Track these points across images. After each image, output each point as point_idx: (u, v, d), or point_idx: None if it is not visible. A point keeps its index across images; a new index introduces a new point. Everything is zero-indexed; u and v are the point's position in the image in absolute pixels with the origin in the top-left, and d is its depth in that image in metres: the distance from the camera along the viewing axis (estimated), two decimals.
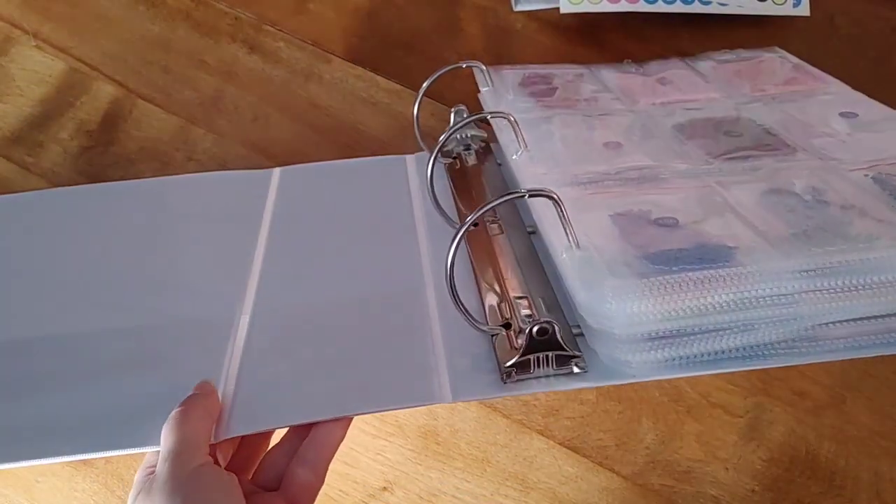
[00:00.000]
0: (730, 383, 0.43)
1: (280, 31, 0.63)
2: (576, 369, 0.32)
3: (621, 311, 0.30)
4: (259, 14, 0.64)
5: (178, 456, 0.29)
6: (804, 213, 0.35)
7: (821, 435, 0.42)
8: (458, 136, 0.50)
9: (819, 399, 0.43)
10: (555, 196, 0.32)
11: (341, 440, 0.32)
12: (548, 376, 0.32)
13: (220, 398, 0.34)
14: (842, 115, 0.44)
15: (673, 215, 0.35)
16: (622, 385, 0.43)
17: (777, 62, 0.54)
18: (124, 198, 0.50)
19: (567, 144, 0.43)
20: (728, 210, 0.36)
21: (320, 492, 0.40)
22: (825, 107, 0.46)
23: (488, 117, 0.44)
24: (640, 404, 0.43)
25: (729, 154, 0.41)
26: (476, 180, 0.46)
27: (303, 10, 0.65)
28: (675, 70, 0.54)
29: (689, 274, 0.30)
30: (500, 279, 0.38)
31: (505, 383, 0.32)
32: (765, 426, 0.42)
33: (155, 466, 0.30)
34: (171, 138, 0.56)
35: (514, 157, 0.42)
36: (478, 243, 0.41)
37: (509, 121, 0.42)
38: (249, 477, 0.33)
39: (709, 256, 0.31)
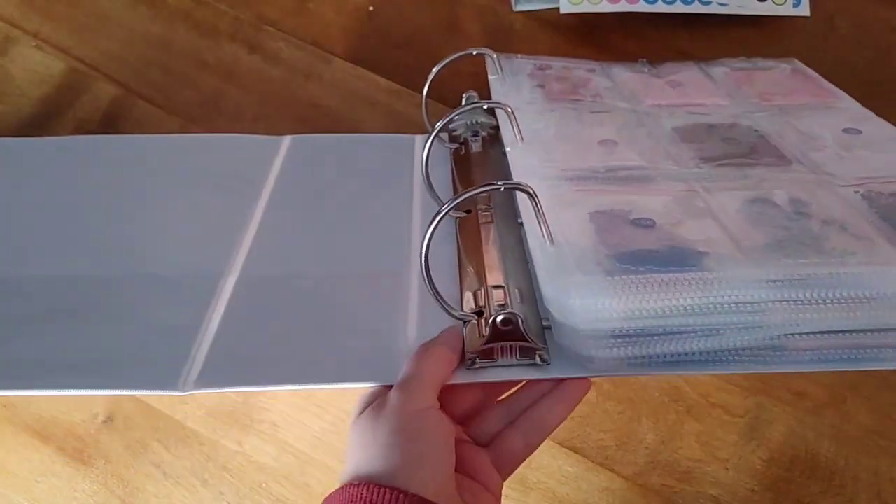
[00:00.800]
0: (729, 383, 0.43)
1: (280, 31, 0.63)
2: (538, 361, 0.33)
3: (585, 307, 0.30)
4: (259, 14, 0.64)
5: (410, 391, 0.30)
6: (783, 225, 0.34)
7: (820, 435, 0.42)
8: (467, 121, 0.50)
9: (819, 399, 0.43)
10: (530, 191, 0.32)
11: (563, 419, 0.32)
12: (510, 366, 0.33)
13: (194, 354, 0.35)
14: (845, 130, 0.44)
15: (651, 216, 0.35)
16: (622, 385, 0.43)
17: (790, 74, 0.54)
18: (126, 150, 0.50)
19: (563, 139, 0.43)
20: (708, 215, 0.35)
21: (318, 491, 0.40)
22: (830, 121, 0.46)
23: (485, 107, 0.44)
24: (640, 404, 0.43)
25: (721, 160, 0.41)
26: (478, 167, 0.46)
27: (303, 10, 0.65)
28: (687, 74, 0.53)
29: (655, 276, 0.30)
30: (481, 267, 0.38)
31: (468, 370, 0.33)
32: (765, 426, 0.42)
33: (377, 395, 0.31)
34: None
35: (509, 149, 0.43)
36: (467, 230, 0.41)
37: (506, 112, 0.42)
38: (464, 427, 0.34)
39: (678, 260, 0.32)
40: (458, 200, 0.32)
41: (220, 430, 0.42)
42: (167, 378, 0.34)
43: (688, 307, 0.30)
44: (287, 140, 0.51)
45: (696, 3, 0.59)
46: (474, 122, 0.50)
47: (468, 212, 0.43)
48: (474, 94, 0.51)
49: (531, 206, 0.33)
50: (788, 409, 0.42)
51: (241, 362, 0.35)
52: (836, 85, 0.51)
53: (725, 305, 0.30)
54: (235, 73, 0.60)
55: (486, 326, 0.33)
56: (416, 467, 0.28)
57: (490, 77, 0.51)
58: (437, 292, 0.33)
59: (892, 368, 0.32)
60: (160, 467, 0.41)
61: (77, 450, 0.42)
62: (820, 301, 0.30)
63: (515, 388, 0.34)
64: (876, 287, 0.30)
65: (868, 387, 0.43)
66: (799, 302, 0.30)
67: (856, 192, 0.38)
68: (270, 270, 0.41)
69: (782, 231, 0.34)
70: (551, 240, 0.33)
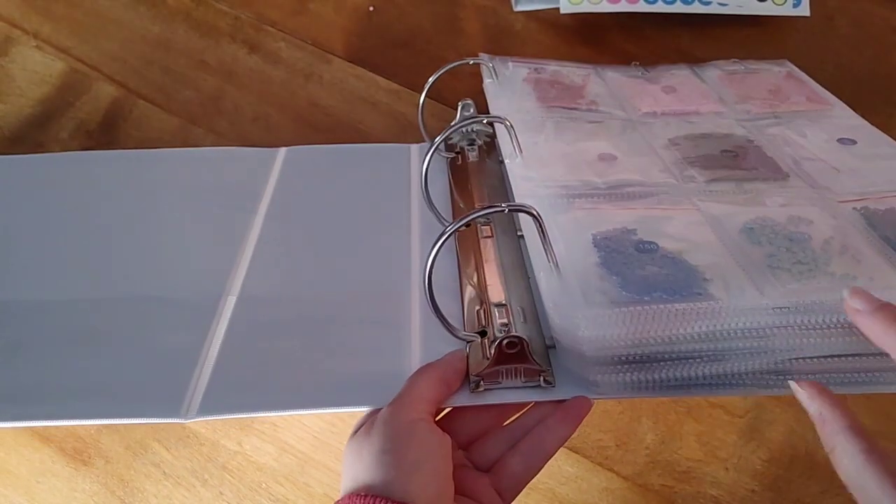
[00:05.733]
0: None
1: (280, 31, 0.63)
2: (543, 383, 0.32)
3: (592, 337, 0.30)
4: (259, 14, 0.64)
5: (398, 406, 0.30)
6: (785, 245, 0.35)
7: None
8: (463, 129, 0.50)
9: None
10: (534, 213, 0.32)
11: (564, 440, 0.32)
12: (515, 388, 0.32)
13: (196, 379, 0.35)
14: (840, 140, 0.44)
15: (654, 239, 0.35)
16: None
17: (783, 77, 0.54)
18: (123, 166, 0.50)
19: (562, 153, 0.42)
20: (710, 235, 0.35)
21: (318, 491, 0.40)
22: (825, 131, 0.46)
23: (484, 121, 0.44)
24: (640, 404, 0.43)
25: (719, 174, 0.41)
26: (476, 177, 0.46)
27: (303, 10, 0.65)
28: (680, 78, 0.53)
29: (662, 306, 0.31)
30: (482, 284, 0.38)
31: (472, 392, 0.32)
32: (765, 426, 0.42)
33: (371, 415, 0.32)
34: (171, 138, 0.56)
35: (507, 161, 0.43)
36: (466, 245, 0.41)
37: (506, 126, 0.42)
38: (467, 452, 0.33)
39: (683, 286, 0.32)
40: (460, 224, 0.32)
41: (219, 431, 0.42)
42: (170, 406, 0.34)
43: (693, 335, 0.30)
44: (282, 151, 0.51)
45: (696, 3, 0.59)
46: (470, 129, 0.50)
47: (467, 225, 0.43)
48: (470, 101, 0.51)
49: (535, 229, 0.33)
50: (788, 410, 0.42)
51: (242, 387, 0.35)
52: (836, 85, 0.51)
53: (731, 332, 0.30)
54: (235, 73, 0.60)
55: (490, 348, 0.33)
56: (412, 472, 0.28)
57: (485, 81, 0.51)
58: (442, 315, 0.33)
59: (893, 392, 0.32)
60: (160, 467, 0.41)
61: (77, 450, 0.42)
62: (824, 326, 0.31)
63: (521, 413, 0.34)
64: None
65: None
66: (803, 327, 0.31)
67: (854, 208, 0.38)
68: (270, 290, 0.40)
69: (785, 252, 0.34)
70: (557, 265, 0.33)
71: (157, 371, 0.36)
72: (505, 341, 0.32)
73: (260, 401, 0.34)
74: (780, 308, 0.31)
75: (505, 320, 0.34)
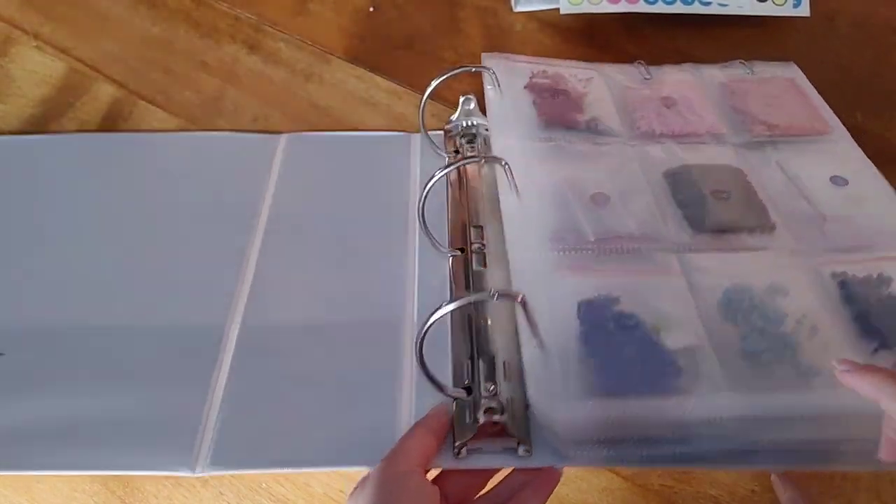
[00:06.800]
0: None
1: (280, 31, 0.63)
2: (521, 452, 0.35)
3: (568, 423, 0.33)
4: (259, 14, 0.64)
5: (391, 460, 0.33)
6: (758, 326, 0.37)
7: None
8: (463, 122, 0.51)
9: None
10: (519, 299, 0.35)
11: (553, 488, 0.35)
12: (494, 452, 0.35)
13: (203, 427, 0.37)
14: (832, 180, 0.45)
15: (635, 310, 0.37)
16: None
17: (786, 88, 0.53)
18: (124, 150, 0.50)
19: (556, 195, 0.43)
20: (691, 310, 0.37)
21: (318, 491, 0.40)
22: (820, 165, 0.46)
23: (482, 162, 0.46)
24: None
25: (709, 226, 0.42)
26: (473, 197, 0.47)
27: (303, 10, 0.65)
28: (682, 86, 0.53)
29: (635, 400, 0.33)
30: (471, 332, 0.39)
31: (455, 458, 0.35)
32: None
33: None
34: None
35: (502, 198, 0.44)
36: (459, 274, 0.43)
37: (502, 166, 0.43)
38: None
39: (657, 379, 0.34)
40: (451, 308, 0.33)
41: None
42: (180, 457, 0.35)
43: (663, 423, 0.33)
44: (283, 139, 0.51)
45: (697, 3, 0.59)
46: (469, 125, 0.51)
47: (461, 250, 0.44)
48: (471, 96, 0.51)
49: (522, 314, 0.36)
50: None
51: (249, 441, 0.37)
52: (836, 86, 0.51)
53: (698, 421, 0.33)
54: (235, 73, 0.60)
55: (474, 410, 0.35)
56: None
57: (486, 87, 0.51)
58: (433, 377, 0.35)
59: (860, 470, 0.36)
60: None
61: None
62: (789, 417, 0.33)
63: (507, 475, 0.35)
64: (840, 406, 0.33)
65: None
66: (769, 419, 0.33)
67: (833, 273, 0.39)
68: (270, 319, 0.41)
69: (758, 336, 0.36)
70: (542, 345, 0.35)
71: (162, 412, 0.36)
72: (492, 418, 0.34)
73: (266, 457, 0.36)
74: (746, 405, 0.33)
75: (491, 385, 0.36)
